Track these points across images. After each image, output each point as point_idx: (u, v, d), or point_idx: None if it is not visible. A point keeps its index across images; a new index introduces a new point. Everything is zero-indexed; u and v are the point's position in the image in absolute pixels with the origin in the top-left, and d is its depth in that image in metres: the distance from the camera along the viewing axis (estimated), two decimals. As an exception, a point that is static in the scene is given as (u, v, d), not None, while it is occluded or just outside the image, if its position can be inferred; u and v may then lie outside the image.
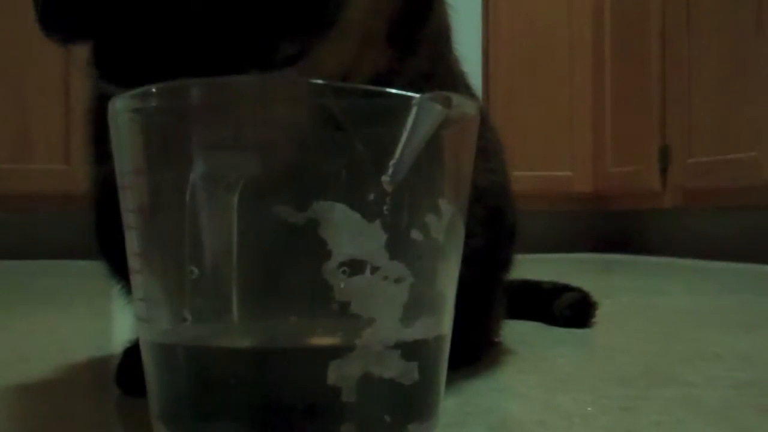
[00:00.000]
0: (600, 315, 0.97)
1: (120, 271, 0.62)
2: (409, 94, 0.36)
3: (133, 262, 0.40)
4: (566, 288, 1.03)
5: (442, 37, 0.59)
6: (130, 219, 0.39)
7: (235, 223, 0.37)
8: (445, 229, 0.39)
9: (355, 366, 0.36)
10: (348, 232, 0.36)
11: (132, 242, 0.39)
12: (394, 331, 0.37)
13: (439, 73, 0.58)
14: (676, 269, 2.12)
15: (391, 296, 0.37)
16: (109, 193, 0.43)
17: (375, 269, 0.37)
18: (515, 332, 0.87)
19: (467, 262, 0.42)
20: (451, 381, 0.43)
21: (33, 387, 0.63)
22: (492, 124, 0.73)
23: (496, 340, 0.79)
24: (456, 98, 0.38)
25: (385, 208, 0.36)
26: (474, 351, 0.70)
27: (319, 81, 0.36)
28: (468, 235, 0.42)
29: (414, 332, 0.38)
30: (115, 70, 0.41)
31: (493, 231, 0.65)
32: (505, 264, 0.74)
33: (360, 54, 0.49)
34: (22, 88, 2.54)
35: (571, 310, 0.97)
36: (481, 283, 0.64)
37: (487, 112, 0.71)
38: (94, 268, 0.67)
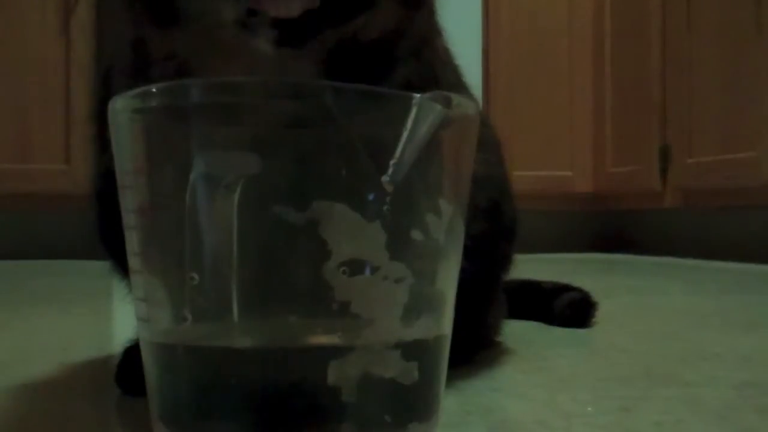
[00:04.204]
0: (600, 315, 0.97)
1: (123, 266, 0.62)
2: (409, 94, 0.37)
3: (134, 262, 0.40)
4: (566, 288, 1.03)
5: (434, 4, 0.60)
6: (130, 219, 0.39)
7: (235, 223, 0.37)
8: (446, 229, 0.39)
9: (355, 366, 0.36)
10: (348, 232, 0.36)
11: (132, 242, 0.39)
12: (394, 331, 0.37)
13: (433, 38, 0.59)
14: (676, 269, 2.12)
15: (391, 296, 0.37)
16: (110, 185, 0.43)
17: (375, 269, 0.37)
18: (515, 332, 0.87)
19: (465, 253, 0.42)
20: (451, 381, 0.43)
21: (33, 387, 0.63)
22: (488, 121, 0.73)
23: (497, 339, 0.79)
24: (456, 98, 0.38)
25: (385, 208, 0.36)
26: (473, 348, 0.70)
27: (319, 81, 0.37)
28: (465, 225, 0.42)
29: (414, 332, 0.38)
30: None
31: (489, 223, 0.65)
32: (505, 261, 0.73)
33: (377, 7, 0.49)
34: (22, 88, 2.54)
35: (571, 309, 0.97)
36: (479, 277, 0.64)
37: (482, 106, 0.72)
38: (94, 268, 0.67)
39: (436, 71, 0.57)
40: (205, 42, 0.47)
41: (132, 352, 0.59)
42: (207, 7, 0.45)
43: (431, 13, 0.57)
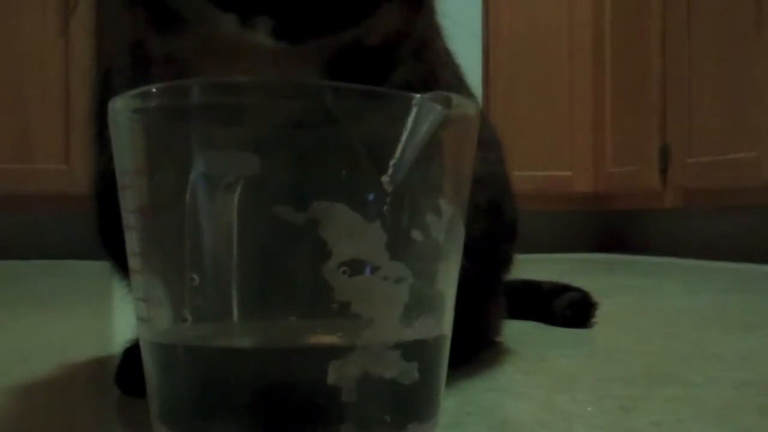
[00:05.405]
0: (600, 315, 0.97)
1: (123, 266, 0.62)
2: (410, 94, 0.37)
3: (134, 263, 0.40)
4: (566, 288, 1.03)
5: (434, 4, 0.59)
6: (130, 219, 0.39)
7: (235, 223, 0.37)
8: (446, 229, 0.39)
9: (355, 366, 0.36)
10: (348, 232, 0.36)
11: (132, 242, 0.39)
12: (394, 331, 0.37)
13: (433, 38, 0.59)
14: (676, 269, 2.12)
15: (391, 296, 0.37)
16: (109, 185, 0.43)
17: (375, 269, 0.37)
18: (515, 332, 0.87)
19: (465, 253, 0.42)
20: (451, 381, 0.43)
21: (33, 387, 0.63)
22: (489, 121, 0.73)
23: (497, 339, 0.79)
24: (456, 98, 0.38)
25: (385, 208, 0.36)
26: (473, 348, 0.70)
27: (320, 81, 0.36)
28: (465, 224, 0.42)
29: (414, 332, 0.38)
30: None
31: (489, 223, 0.65)
32: (505, 261, 0.73)
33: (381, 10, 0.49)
34: (22, 88, 2.54)
35: (571, 309, 0.97)
36: (479, 277, 0.64)
37: (482, 106, 0.71)
38: (94, 268, 0.67)
39: (436, 72, 0.57)
40: (205, 45, 0.47)
41: (132, 352, 0.59)
42: (207, 12, 0.45)
43: (431, 13, 0.57)
